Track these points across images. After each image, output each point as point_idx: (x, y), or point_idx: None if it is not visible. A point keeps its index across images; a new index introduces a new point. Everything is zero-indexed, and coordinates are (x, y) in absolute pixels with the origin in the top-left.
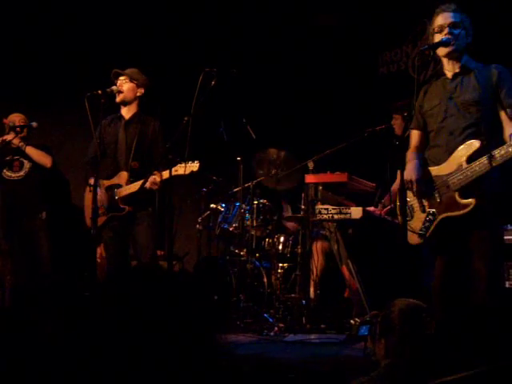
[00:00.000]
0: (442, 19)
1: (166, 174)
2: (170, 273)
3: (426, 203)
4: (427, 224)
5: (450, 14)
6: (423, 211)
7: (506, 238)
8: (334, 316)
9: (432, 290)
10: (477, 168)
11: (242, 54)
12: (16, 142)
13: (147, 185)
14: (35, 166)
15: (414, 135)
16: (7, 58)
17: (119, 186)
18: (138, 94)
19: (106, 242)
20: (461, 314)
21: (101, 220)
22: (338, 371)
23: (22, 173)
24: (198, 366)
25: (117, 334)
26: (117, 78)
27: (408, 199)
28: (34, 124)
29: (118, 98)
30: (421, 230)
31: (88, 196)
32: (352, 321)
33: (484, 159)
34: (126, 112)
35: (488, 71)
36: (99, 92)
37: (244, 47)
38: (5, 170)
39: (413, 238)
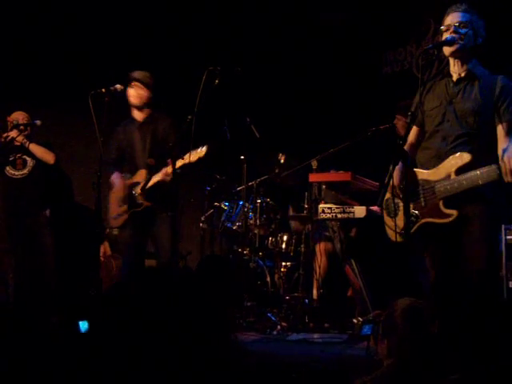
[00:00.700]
0: (450, 19)
1: (177, 164)
2: (175, 273)
3: (410, 204)
4: (409, 225)
5: (459, 14)
6: None
7: (508, 237)
8: (336, 315)
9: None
10: (464, 182)
11: (245, 53)
12: (19, 139)
13: (160, 177)
14: (38, 163)
15: (413, 131)
16: (10, 57)
17: (138, 183)
18: (151, 98)
19: (124, 240)
20: (458, 313)
21: (123, 219)
22: (340, 370)
23: (25, 171)
24: (199, 366)
25: (117, 334)
26: (130, 83)
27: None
28: (38, 122)
29: (133, 102)
30: (402, 229)
31: (111, 195)
32: (355, 320)
33: (472, 175)
34: (139, 115)
35: (493, 82)
36: (103, 90)
37: (250, 47)
38: (8, 168)
39: (394, 236)
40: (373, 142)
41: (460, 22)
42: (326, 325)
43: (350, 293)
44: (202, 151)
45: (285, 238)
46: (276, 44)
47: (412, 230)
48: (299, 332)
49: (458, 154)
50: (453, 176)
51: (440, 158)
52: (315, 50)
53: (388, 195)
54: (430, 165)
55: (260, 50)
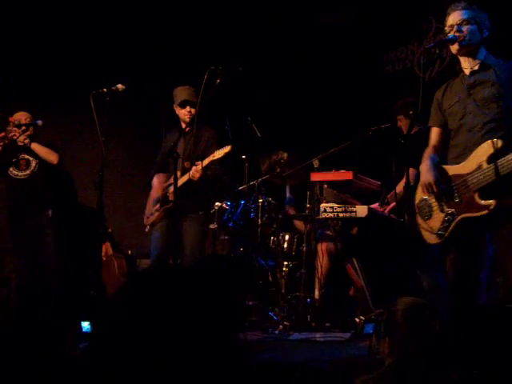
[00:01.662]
0: (452, 18)
1: (205, 162)
2: (184, 271)
3: (444, 203)
4: (446, 224)
5: (460, 12)
6: (442, 211)
7: None
8: (338, 314)
9: (449, 288)
10: (498, 169)
11: (246, 53)
12: (21, 139)
13: (190, 174)
14: (42, 164)
15: (434, 133)
16: (11, 57)
17: (172, 184)
18: None
19: (153, 237)
20: (480, 313)
21: (154, 217)
22: (342, 369)
23: (28, 171)
24: (205, 366)
25: (120, 333)
26: (185, 106)
27: (426, 197)
28: (40, 122)
29: (187, 120)
30: (439, 230)
31: (149, 196)
32: (357, 319)
33: (506, 160)
34: (185, 126)
35: (509, 67)
36: (104, 90)
37: (251, 46)
38: (11, 169)
39: (431, 238)
40: (374, 141)
41: (462, 20)
42: (328, 324)
43: (351, 292)
44: (227, 148)
45: (287, 237)
46: (277, 43)
47: (450, 229)
48: (301, 331)
49: (487, 142)
50: (485, 165)
51: (470, 150)
52: (317, 48)
53: (421, 196)
54: (462, 159)
55: (261, 49)
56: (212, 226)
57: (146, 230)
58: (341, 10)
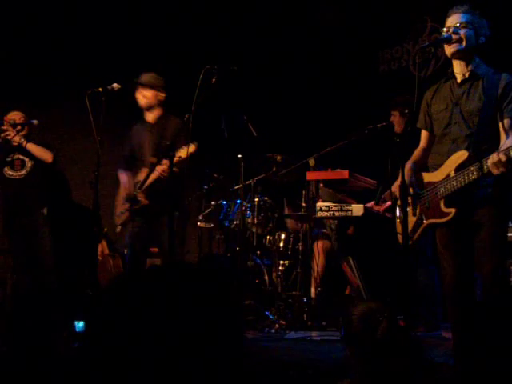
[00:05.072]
0: (450, 20)
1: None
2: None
3: (416, 207)
4: (415, 228)
5: (459, 15)
6: (414, 214)
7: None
8: (334, 313)
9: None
10: (461, 178)
11: (242, 52)
12: (17, 139)
13: (156, 174)
14: (37, 164)
15: (423, 136)
16: (7, 57)
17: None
18: (160, 98)
19: (125, 237)
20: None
21: (125, 216)
22: (338, 368)
23: (23, 171)
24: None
25: (114, 334)
26: (137, 89)
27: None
28: (35, 122)
29: (140, 104)
30: (410, 233)
31: (118, 193)
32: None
33: (468, 170)
34: (150, 117)
35: (497, 78)
36: (100, 89)
37: (244, 46)
38: (6, 169)
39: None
40: (370, 140)
41: (460, 23)
42: (324, 323)
43: (348, 291)
44: (191, 148)
45: (282, 236)
46: (273, 42)
47: (418, 233)
48: (297, 330)
49: (458, 152)
50: (452, 174)
51: None
52: (312, 48)
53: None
54: (439, 168)
55: (257, 48)
56: (208, 225)
57: (118, 230)
58: (336, 9)
